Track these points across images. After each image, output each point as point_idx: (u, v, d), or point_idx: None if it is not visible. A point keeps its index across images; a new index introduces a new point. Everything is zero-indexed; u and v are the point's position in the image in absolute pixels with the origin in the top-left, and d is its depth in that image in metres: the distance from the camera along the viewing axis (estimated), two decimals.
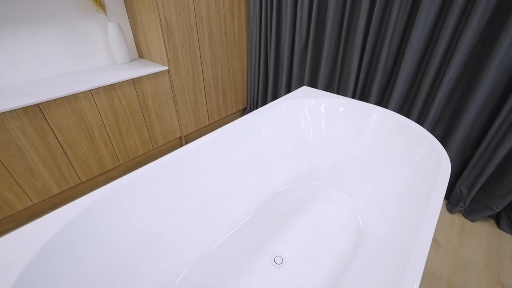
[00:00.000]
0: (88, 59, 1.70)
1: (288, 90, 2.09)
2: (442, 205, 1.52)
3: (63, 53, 1.59)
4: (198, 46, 1.82)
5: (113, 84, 1.48)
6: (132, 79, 1.55)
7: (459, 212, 1.46)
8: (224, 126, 1.12)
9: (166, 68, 1.69)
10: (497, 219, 1.40)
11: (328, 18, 1.60)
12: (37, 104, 1.26)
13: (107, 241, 0.74)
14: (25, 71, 1.48)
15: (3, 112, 1.17)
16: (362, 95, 1.67)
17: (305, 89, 1.48)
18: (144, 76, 1.60)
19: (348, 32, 1.58)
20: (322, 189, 1.38)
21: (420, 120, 1.46)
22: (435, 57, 1.27)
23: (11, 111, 1.19)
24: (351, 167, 1.31)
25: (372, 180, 1.21)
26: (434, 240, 1.33)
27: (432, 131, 1.45)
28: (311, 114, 1.37)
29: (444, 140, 1.43)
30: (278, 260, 1.00)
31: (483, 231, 1.37)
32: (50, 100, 1.29)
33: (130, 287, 0.77)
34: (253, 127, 1.21)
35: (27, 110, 1.23)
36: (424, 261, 0.54)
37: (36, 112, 1.26)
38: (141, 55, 1.91)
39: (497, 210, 1.33)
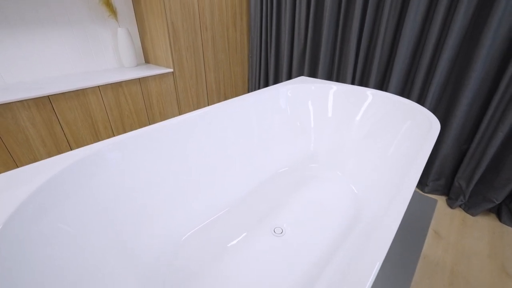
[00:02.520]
0: (98, 61, 1.79)
1: None
2: (443, 201, 1.52)
3: (74, 54, 1.68)
4: (202, 50, 1.92)
5: (120, 82, 1.55)
6: (139, 78, 1.63)
7: (460, 206, 1.46)
8: (228, 100, 1.19)
9: (171, 70, 1.78)
10: (498, 212, 1.40)
11: (324, 22, 1.70)
12: (47, 96, 1.31)
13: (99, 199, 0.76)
14: (37, 70, 1.56)
15: (14, 102, 1.23)
16: None
17: (303, 78, 1.56)
18: (150, 76, 1.68)
19: (344, 34, 1.68)
20: (321, 170, 1.43)
21: None
22: (426, 53, 1.34)
23: (22, 101, 1.25)
24: (348, 148, 1.36)
25: (367, 159, 1.25)
26: (435, 231, 1.32)
27: None
28: (308, 99, 1.44)
29: (439, 134, 1.46)
30: (278, 231, 1.03)
31: (484, 225, 1.36)
32: (60, 93, 1.35)
33: (138, 242, 0.79)
34: (254, 108, 1.28)
35: (37, 101, 1.29)
36: (395, 226, 0.52)
37: (46, 103, 1.32)
38: (147, 61, 2.01)
39: (497, 202, 1.33)
